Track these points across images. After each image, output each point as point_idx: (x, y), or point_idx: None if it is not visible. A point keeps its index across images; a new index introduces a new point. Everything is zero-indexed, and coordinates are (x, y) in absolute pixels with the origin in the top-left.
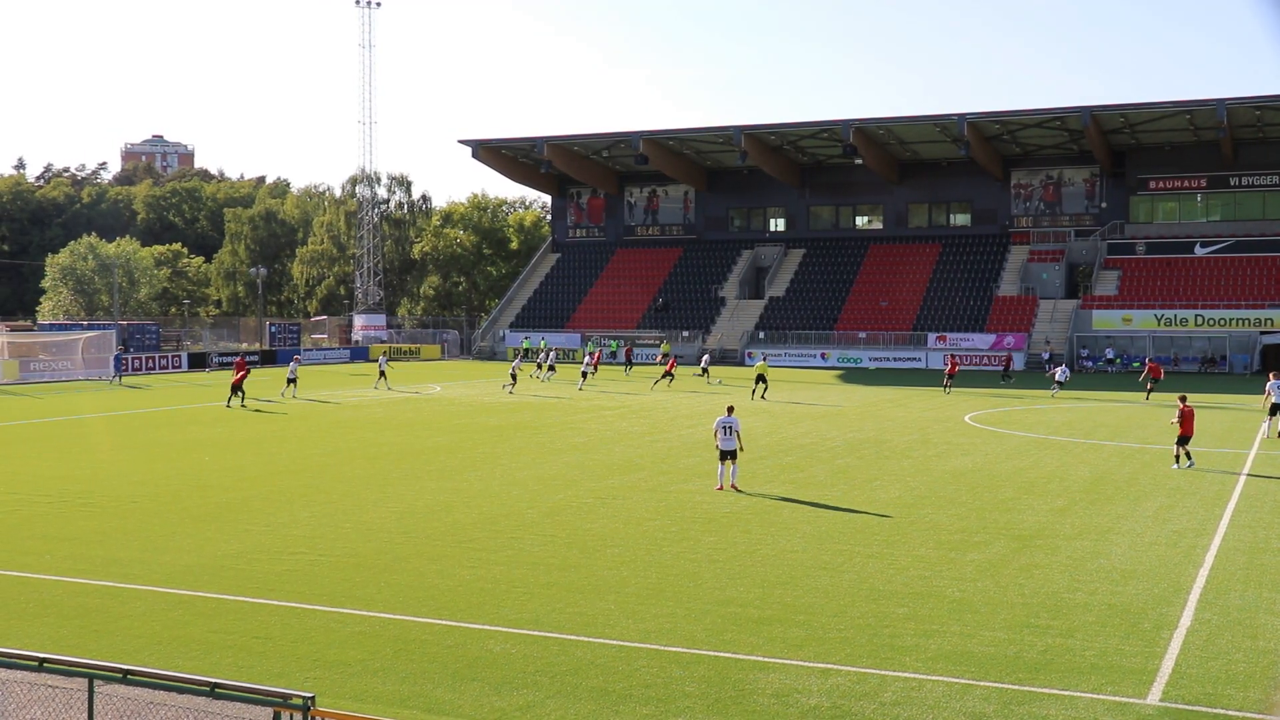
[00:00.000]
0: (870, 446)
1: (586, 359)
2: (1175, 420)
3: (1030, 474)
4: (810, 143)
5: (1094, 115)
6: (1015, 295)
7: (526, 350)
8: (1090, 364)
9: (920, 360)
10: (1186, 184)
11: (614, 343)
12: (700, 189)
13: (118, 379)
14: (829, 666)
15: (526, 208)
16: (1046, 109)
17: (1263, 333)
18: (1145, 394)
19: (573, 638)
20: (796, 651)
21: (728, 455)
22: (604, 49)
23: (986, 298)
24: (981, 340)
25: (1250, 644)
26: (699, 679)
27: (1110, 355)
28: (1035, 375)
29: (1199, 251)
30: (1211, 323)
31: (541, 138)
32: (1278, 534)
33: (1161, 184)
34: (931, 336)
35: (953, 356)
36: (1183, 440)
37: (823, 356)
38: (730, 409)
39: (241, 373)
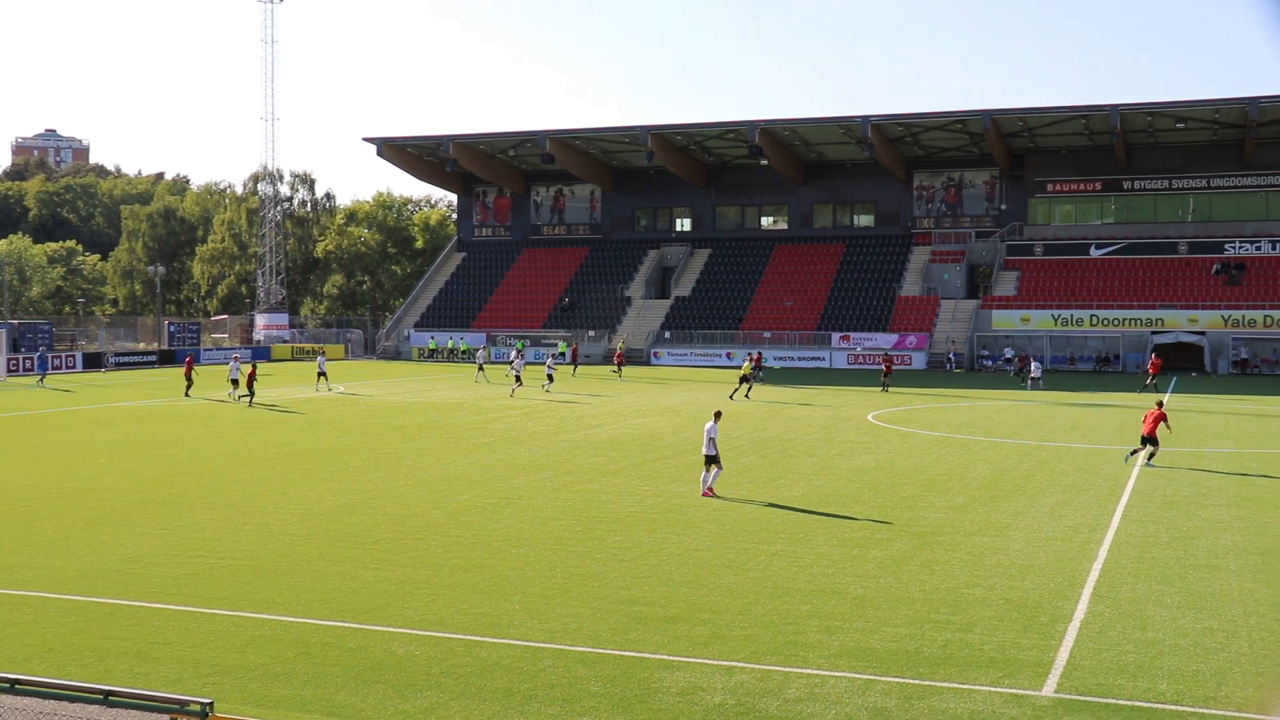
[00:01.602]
0: (775, 445)
1: (550, 360)
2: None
3: (931, 471)
4: (716, 143)
5: (994, 119)
6: (917, 295)
7: (519, 351)
8: (989, 363)
9: (824, 359)
10: (1082, 187)
11: (562, 344)
12: (607, 189)
13: (41, 379)
14: (733, 664)
15: (432, 206)
16: (948, 112)
17: (1154, 332)
18: (1143, 387)
19: (477, 639)
20: (701, 650)
21: (708, 460)
22: (510, 47)
23: (889, 298)
24: (884, 340)
25: (1140, 635)
26: (604, 678)
27: (1009, 354)
28: (936, 374)
29: (1094, 253)
30: (1106, 323)
31: (447, 136)
32: (1167, 529)
33: (1058, 187)
34: (835, 336)
35: (887, 356)
36: (1146, 440)
37: (728, 356)
38: (717, 414)
39: (190, 368)
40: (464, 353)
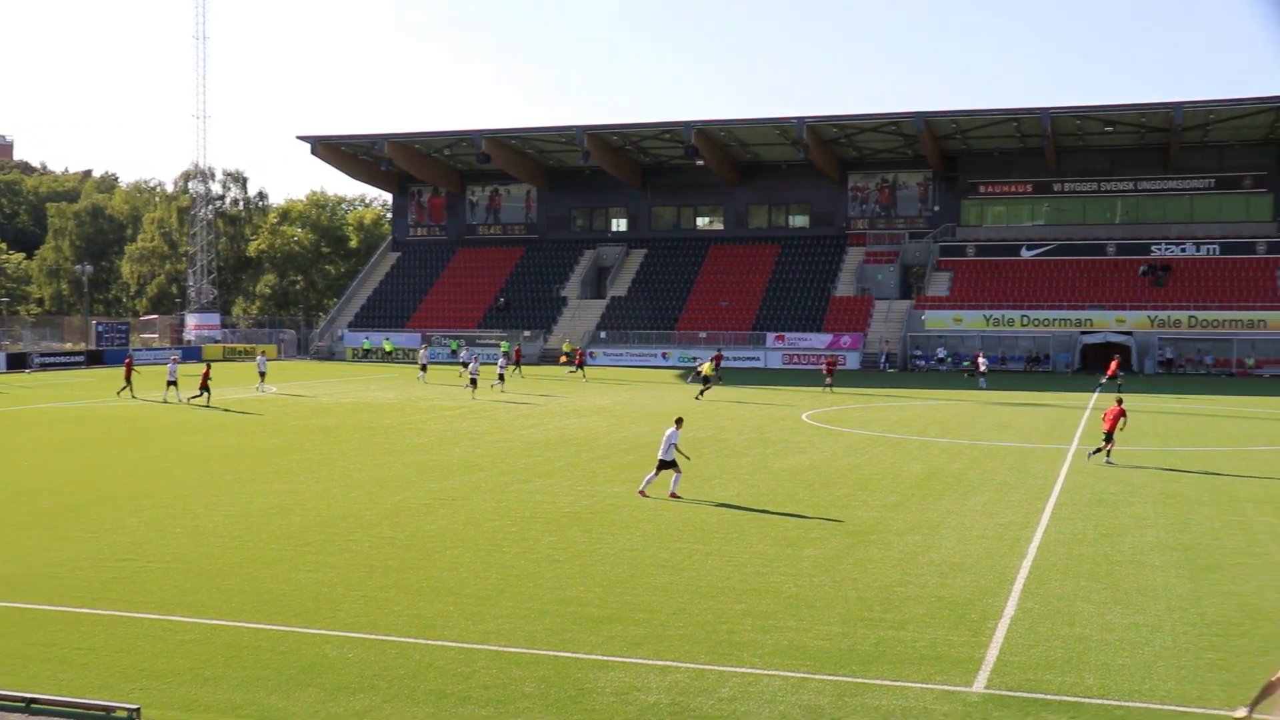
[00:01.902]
0: (710, 445)
1: (502, 360)
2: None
3: (865, 471)
4: (652, 143)
5: (927, 121)
6: (852, 296)
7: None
8: (922, 362)
9: (759, 359)
10: (1014, 189)
11: (505, 344)
12: (543, 188)
13: None
14: (668, 664)
15: (366, 206)
16: (882, 114)
17: (1083, 332)
18: (1099, 386)
19: (411, 640)
20: (636, 649)
21: (663, 465)
22: (445, 46)
23: (824, 298)
24: (819, 340)
25: (1068, 631)
26: (539, 679)
27: (941, 354)
28: (870, 374)
29: (1025, 254)
30: (1036, 323)
31: (382, 135)
32: (1095, 526)
33: (991, 188)
34: (770, 336)
35: (831, 356)
36: (1107, 436)
37: (664, 356)
38: (678, 421)
39: (129, 368)
40: (389, 353)
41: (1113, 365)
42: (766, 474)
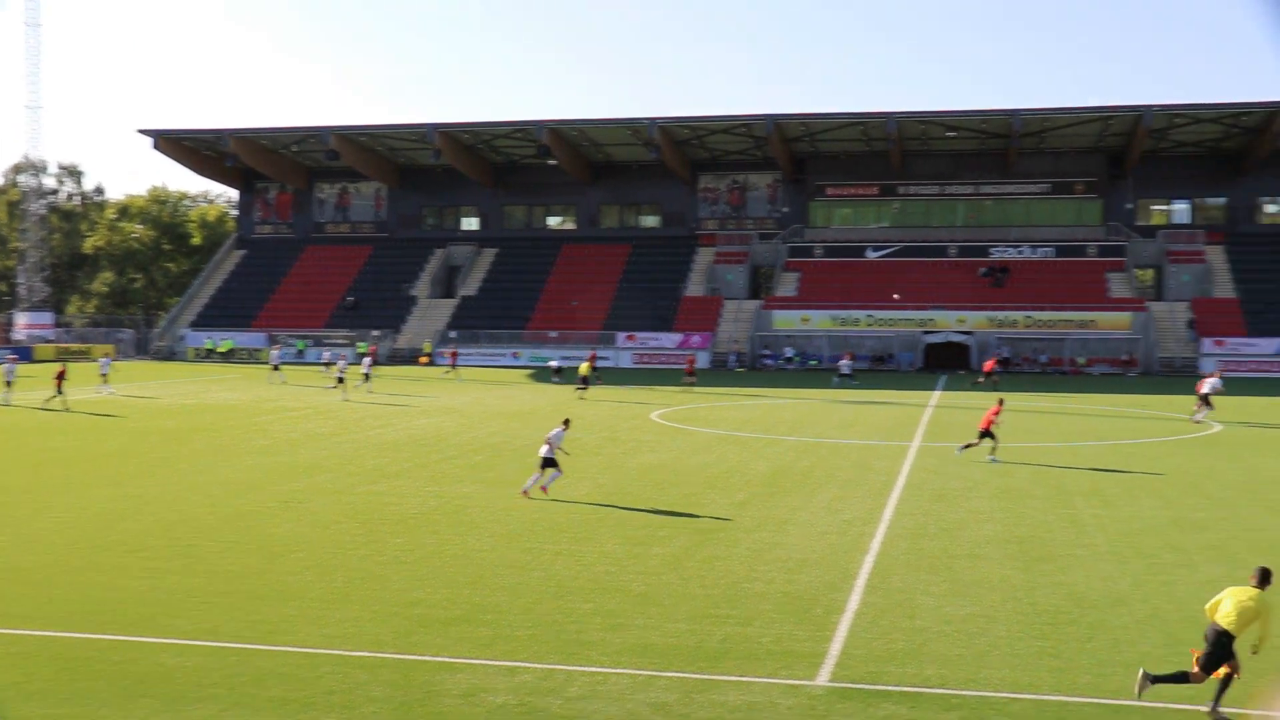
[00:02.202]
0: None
1: (368, 360)
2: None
3: (713, 469)
4: (504, 142)
5: (777, 123)
6: (702, 296)
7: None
8: (771, 362)
9: (610, 359)
10: (860, 191)
11: (362, 344)
12: (393, 186)
13: None
14: (516, 664)
15: (210, 202)
16: (733, 116)
17: (926, 332)
18: (975, 384)
19: (252, 647)
20: (484, 651)
21: (545, 463)
22: (292, 42)
23: (674, 298)
24: (669, 339)
25: (909, 623)
26: (385, 683)
27: (790, 354)
28: (720, 373)
29: (870, 255)
30: (881, 323)
31: (227, 130)
32: (935, 521)
33: (838, 191)
34: (621, 336)
35: (691, 357)
36: (984, 433)
37: (514, 356)
38: (566, 422)
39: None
40: (224, 353)
41: (989, 364)
42: (616, 473)
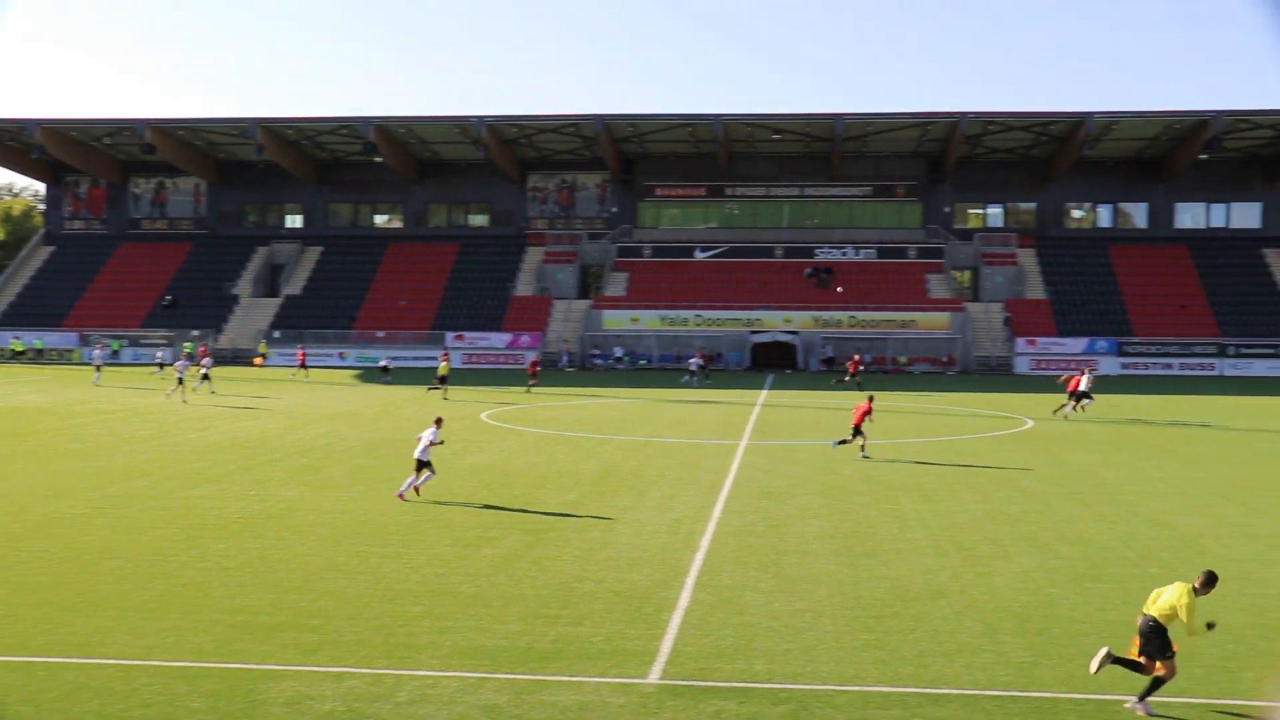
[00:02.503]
0: (388, 446)
1: (208, 361)
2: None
3: (544, 469)
4: (329, 139)
5: (606, 123)
6: (531, 295)
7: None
8: (600, 361)
9: (438, 359)
10: (688, 192)
11: (189, 344)
12: (213, 182)
13: None
14: (344, 670)
15: (15, 195)
16: (562, 115)
17: (753, 332)
18: (836, 383)
19: (64, 660)
20: (310, 657)
21: (419, 465)
22: (101, 35)
23: (504, 298)
24: (499, 339)
25: (738, 620)
26: (206, 693)
27: (619, 354)
28: (550, 373)
29: (698, 256)
30: (710, 322)
31: (33, 120)
32: (763, 518)
33: (666, 191)
34: (450, 335)
35: (535, 357)
36: (855, 431)
37: (340, 356)
38: (438, 421)
39: None
40: (17, 354)
41: (852, 364)
42: (445, 474)
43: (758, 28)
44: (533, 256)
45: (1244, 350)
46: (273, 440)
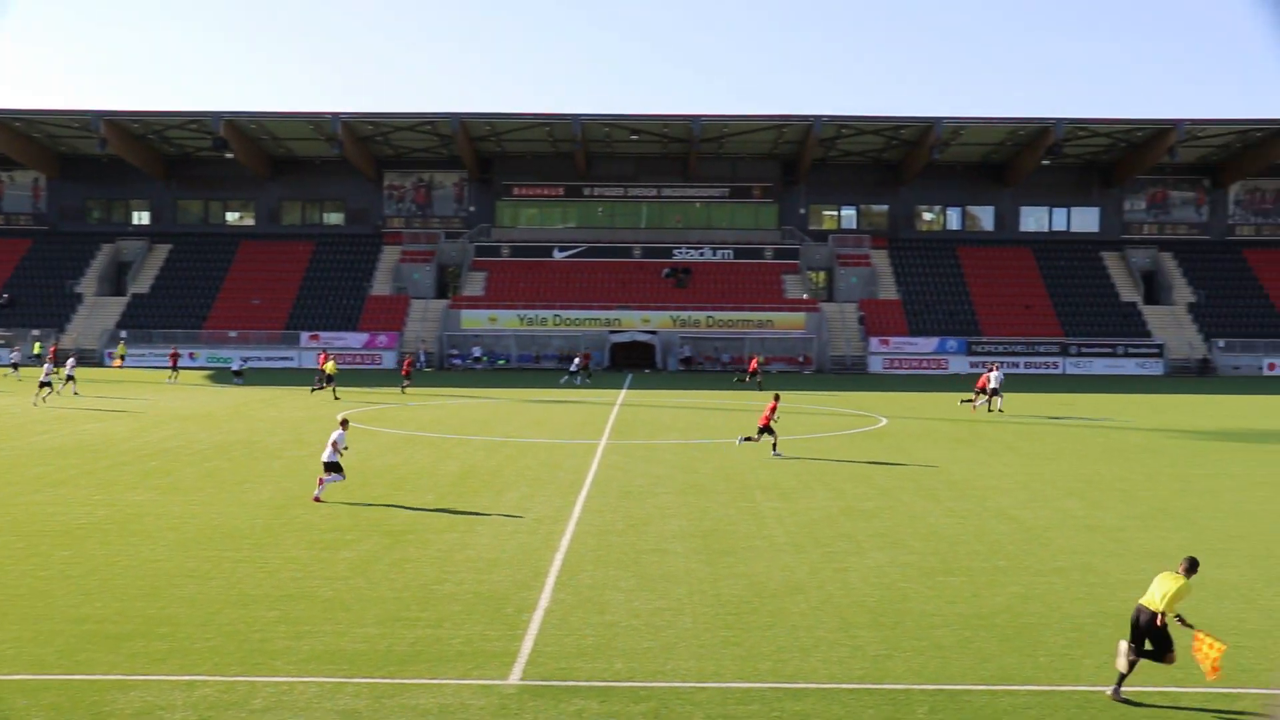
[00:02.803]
0: (241, 448)
1: (71, 363)
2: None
3: (402, 470)
4: (178, 133)
5: (463, 122)
6: (388, 295)
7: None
8: (459, 361)
9: (293, 360)
10: (546, 192)
11: (37, 345)
12: (53, 176)
13: None
14: (195, 678)
15: None
16: (418, 113)
17: (612, 331)
18: (736, 382)
19: None
20: (159, 666)
21: (327, 467)
22: None
23: (360, 297)
24: (355, 339)
25: (599, 619)
26: (48, 706)
27: (477, 354)
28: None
29: (557, 256)
30: (568, 322)
31: None
32: (623, 517)
33: (524, 191)
34: (304, 335)
35: (408, 356)
36: (763, 430)
37: (191, 356)
38: (344, 422)
39: None
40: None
41: (753, 364)
42: (301, 476)
43: (618, 28)
44: (389, 255)
45: (1085, 349)
46: (120, 443)
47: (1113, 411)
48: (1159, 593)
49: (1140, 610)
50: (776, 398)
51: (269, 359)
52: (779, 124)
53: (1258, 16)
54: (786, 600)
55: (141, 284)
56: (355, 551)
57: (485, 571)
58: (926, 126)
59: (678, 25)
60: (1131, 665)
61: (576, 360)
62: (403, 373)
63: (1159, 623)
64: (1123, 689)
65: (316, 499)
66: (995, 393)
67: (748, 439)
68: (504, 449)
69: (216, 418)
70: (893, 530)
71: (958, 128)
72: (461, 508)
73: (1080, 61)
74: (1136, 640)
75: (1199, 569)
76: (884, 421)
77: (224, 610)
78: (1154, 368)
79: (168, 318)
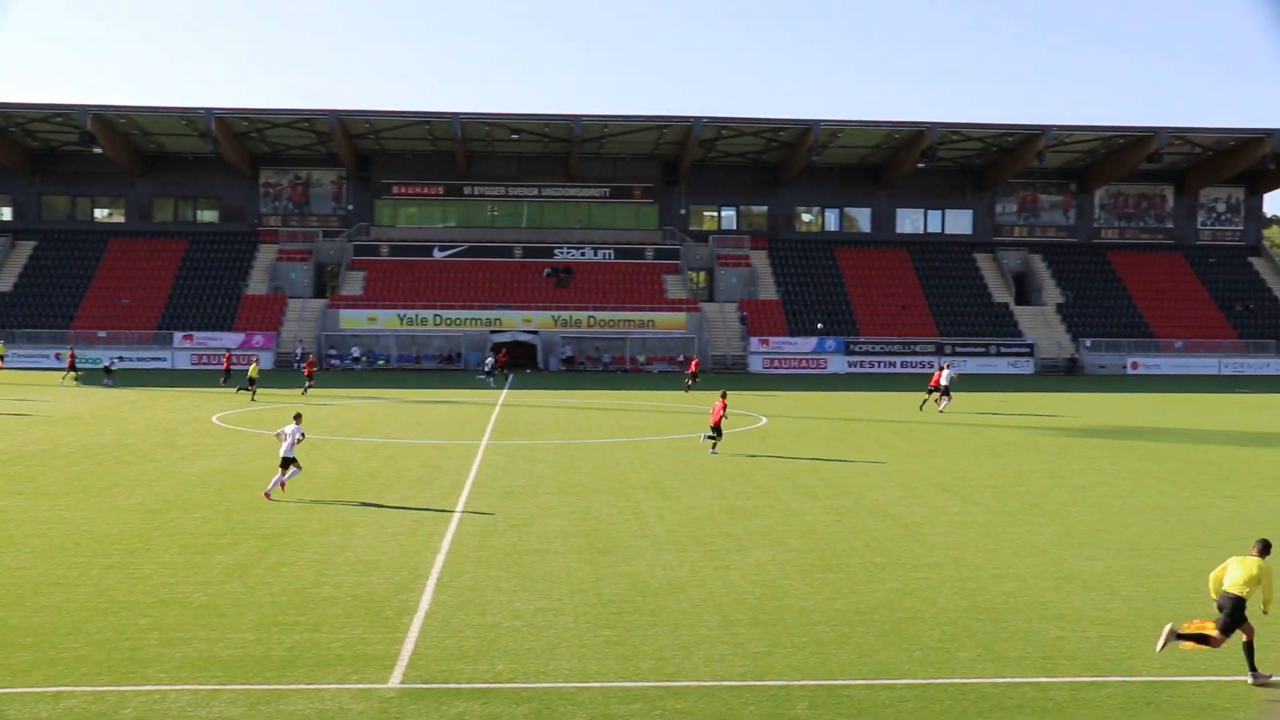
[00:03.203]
0: (110, 451)
1: None
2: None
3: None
4: (42, 127)
5: (341, 119)
6: (264, 294)
7: None
8: (337, 362)
9: (166, 360)
10: (426, 191)
11: None
12: None
13: None
14: (61, 689)
15: None
16: (295, 109)
17: (493, 331)
18: (687, 385)
19: None
20: (23, 677)
21: (285, 462)
22: None
23: (235, 296)
24: (230, 339)
25: (480, 620)
26: None
27: (356, 354)
28: (285, 374)
29: (437, 255)
30: (449, 322)
31: None
32: (504, 518)
33: (404, 189)
34: (178, 335)
35: (311, 356)
36: (714, 429)
37: (56, 357)
38: (297, 416)
39: None
40: None
41: (692, 364)
42: (174, 479)
43: (501, 28)
44: (266, 254)
45: (959, 349)
46: None
47: (993, 407)
48: (1239, 577)
49: (1224, 596)
50: (724, 395)
51: (141, 359)
52: (660, 125)
53: (1258, 16)
54: (668, 599)
55: (4, 282)
56: (230, 556)
57: (365, 574)
58: (805, 129)
59: (561, 26)
60: (1247, 647)
61: (490, 360)
62: (305, 373)
63: (1238, 607)
64: (1257, 669)
65: (267, 495)
66: (945, 390)
67: (710, 437)
68: (384, 450)
69: (85, 421)
70: (773, 528)
71: (836, 130)
72: (340, 510)
73: (955, 66)
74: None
75: (1270, 550)
76: (764, 420)
77: (93, 618)
78: (1025, 366)
79: (33, 317)
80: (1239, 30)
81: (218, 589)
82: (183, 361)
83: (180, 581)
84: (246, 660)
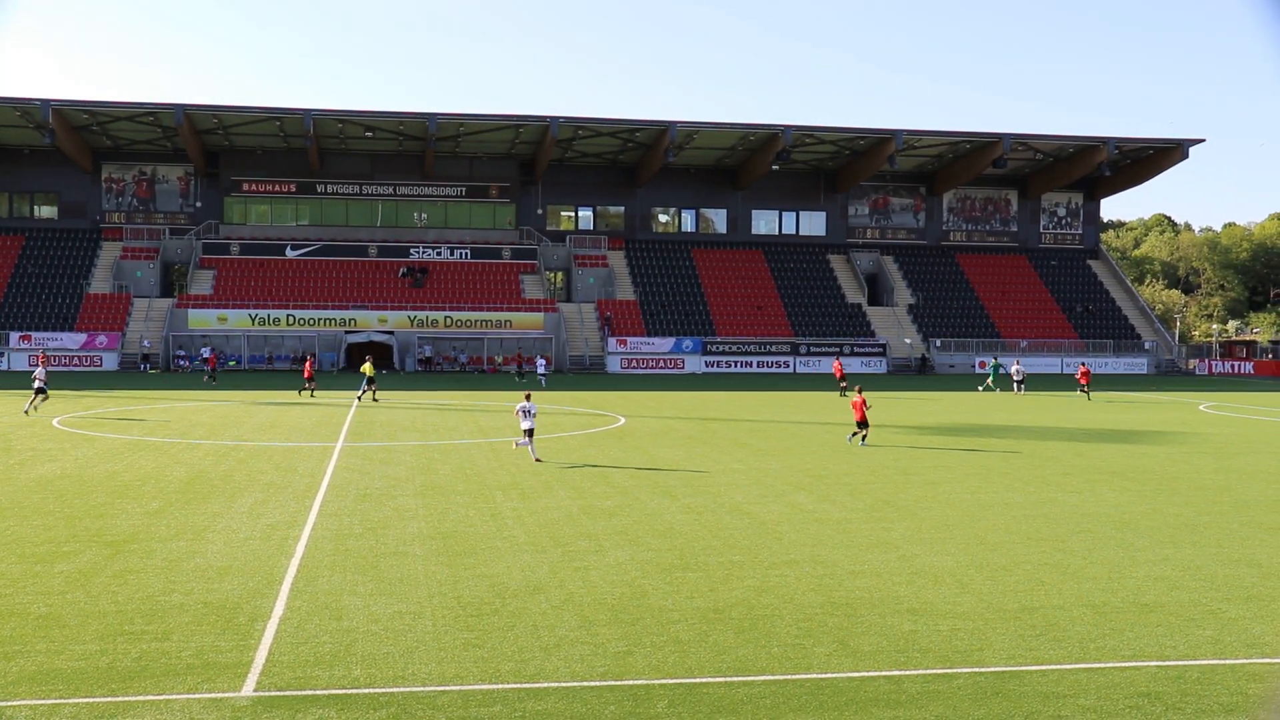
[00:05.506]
0: None
1: None
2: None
3: (124, 477)
4: None
5: (188, 114)
6: (108, 293)
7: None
8: (186, 363)
9: (3, 362)
10: (278, 188)
11: None
12: None
13: None
14: None
15: None
16: (139, 103)
17: (348, 332)
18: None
19: None
20: None
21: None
22: None
23: (77, 295)
24: (72, 340)
25: (336, 625)
26: None
27: (205, 354)
28: (131, 375)
29: (290, 254)
30: (303, 322)
31: None
32: (360, 521)
33: (254, 187)
34: (15, 336)
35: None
36: (860, 424)
37: None
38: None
39: None
40: None
41: (528, 360)
42: (10, 485)
43: (359, 26)
44: (109, 252)
45: (814, 349)
46: None
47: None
48: None
49: None
50: (860, 391)
51: None
52: (516, 124)
53: (1258, 16)
54: (528, 600)
55: None
56: (72, 564)
57: (216, 580)
58: (661, 130)
59: (419, 24)
60: None
61: (368, 367)
62: (305, 375)
63: None
64: None
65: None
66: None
67: (860, 437)
68: (235, 453)
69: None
70: (632, 528)
71: (691, 132)
72: (189, 515)
73: (807, 68)
74: None
75: None
76: (622, 421)
77: None
78: (878, 366)
79: None
80: (1083, 38)
81: (59, 599)
82: (19, 363)
83: (18, 592)
84: (90, 672)
